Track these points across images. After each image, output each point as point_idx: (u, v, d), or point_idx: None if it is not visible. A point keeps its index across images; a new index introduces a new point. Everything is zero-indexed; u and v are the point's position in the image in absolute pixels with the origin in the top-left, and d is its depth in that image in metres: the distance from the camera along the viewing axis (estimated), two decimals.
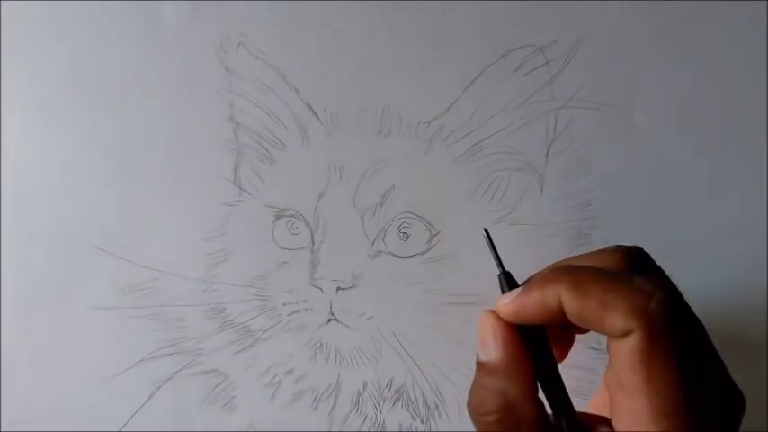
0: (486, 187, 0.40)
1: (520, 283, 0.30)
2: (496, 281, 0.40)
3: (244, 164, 0.41)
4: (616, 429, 0.27)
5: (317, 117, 0.41)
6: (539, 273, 0.30)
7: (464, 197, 0.40)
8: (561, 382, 0.29)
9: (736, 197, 0.40)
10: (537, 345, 0.29)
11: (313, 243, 0.41)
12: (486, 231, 0.33)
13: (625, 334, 0.25)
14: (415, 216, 0.41)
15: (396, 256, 0.41)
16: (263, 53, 0.40)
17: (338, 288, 0.41)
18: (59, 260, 0.42)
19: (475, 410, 0.29)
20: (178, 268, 0.42)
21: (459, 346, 0.40)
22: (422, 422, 0.41)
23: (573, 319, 0.27)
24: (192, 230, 0.42)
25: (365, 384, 0.42)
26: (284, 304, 0.42)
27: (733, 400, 0.29)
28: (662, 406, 0.25)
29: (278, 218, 0.41)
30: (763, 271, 0.40)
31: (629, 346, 0.25)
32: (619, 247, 0.29)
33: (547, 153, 0.40)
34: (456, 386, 0.41)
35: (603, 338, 0.40)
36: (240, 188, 0.41)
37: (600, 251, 0.29)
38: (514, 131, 0.40)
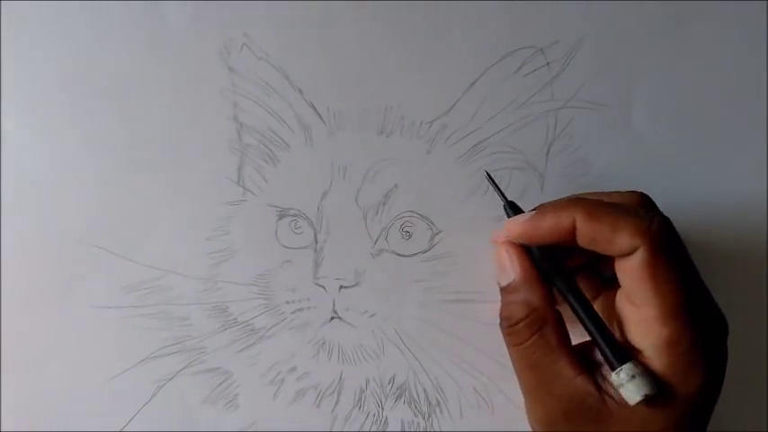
0: (487, 186, 0.40)
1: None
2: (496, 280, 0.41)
3: (247, 164, 0.42)
4: (630, 342, 0.32)
5: (321, 117, 0.41)
6: (549, 202, 0.35)
7: (465, 196, 0.41)
8: (574, 279, 0.34)
9: (735, 197, 0.41)
10: (552, 259, 0.34)
11: (316, 242, 0.41)
12: (486, 172, 0.37)
13: (632, 251, 0.30)
14: (417, 215, 0.41)
15: (398, 255, 0.41)
16: (266, 54, 0.41)
17: (341, 286, 0.41)
18: (62, 260, 0.42)
19: (507, 325, 0.34)
20: (181, 267, 0.42)
21: (461, 343, 0.41)
22: (424, 419, 0.42)
23: (584, 240, 0.32)
24: (196, 229, 0.42)
25: (367, 382, 0.42)
26: (287, 303, 0.42)
27: (719, 321, 0.33)
28: (669, 311, 0.30)
29: (281, 217, 0.42)
30: (763, 271, 0.41)
31: (636, 262, 0.30)
32: (629, 191, 0.34)
33: (547, 152, 0.41)
34: (458, 383, 0.41)
35: None
36: (244, 188, 0.42)
37: (611, 192, 0.34)
38: (515, 131, 0.40)
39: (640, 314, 0.31)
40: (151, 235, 0.42)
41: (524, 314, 0.34)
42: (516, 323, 0.34)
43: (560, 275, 0.34)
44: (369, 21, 0.41)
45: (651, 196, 0.40)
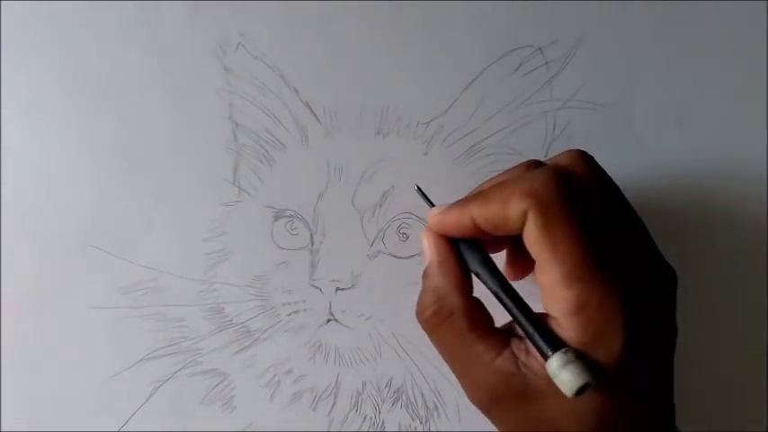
0: None
1: None
2: None
3: (243, 164, 0.41)
4: (545, 311, 0.29)
5: (317, 117, 0.41)
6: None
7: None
8: (495, 267, 0.32)
9: (735, 198, 0.40)
10: (471, 249, 0.32)
11: (312, 243, 0.41)
12: (417, 186, 0.36)
13: (524, 219, 0.28)
14: (414, 216, 0.41)
15: (395, 257, 0.41)
16: (262, 53, 0.40)
17: (337, 288, 0.41)
18: (58, 260, 0.42)
19: (418, 312, 0.33)
20: (177, 268, 0.42)
21: None
22: (421, 423, 0.41)
23: (486, 228, 0.30)
24: (192, 230, 0.42)
25: (364, 385, 0.42)
26: (283, 304, 0.42)
27: (662, 274, 0.30)
28: (571, 271, 0.28)
29: (277, 218, 0.41)
30: (763, 271, 0.40)
31: (530, 228, 0.28)
32: (530, 161, 0.33)
33: (546, 153, 0.40)
34: (455, 387, 0.40)
35: None
36: (239, 188, 0.41)
37: (515, 169, 0.33)
38: (514, 132, 0.40)
39: (546, 280, 0.29)
40: (147, 235, 0.42)
41: (431, 301, 0.32)
42: (424, 310, 0.32)
43: (480, 264, 0.32)
44: (365, 20, 0.41)
45: (651, 199, 0.39)
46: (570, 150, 0.32)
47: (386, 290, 0.41)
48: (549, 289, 0.29)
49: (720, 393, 0.41)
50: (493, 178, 0.34)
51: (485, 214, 0.30)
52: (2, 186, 0.42)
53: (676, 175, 0.40)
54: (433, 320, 0.32)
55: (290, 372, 0.42)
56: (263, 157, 0.41)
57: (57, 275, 0.42)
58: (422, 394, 0.41)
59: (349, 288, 0.41)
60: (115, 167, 0.42)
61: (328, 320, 0.41)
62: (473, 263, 0.32)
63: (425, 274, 0.33)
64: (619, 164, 0.40)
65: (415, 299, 0.40)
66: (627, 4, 0.40)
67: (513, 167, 0.33)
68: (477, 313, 0.32)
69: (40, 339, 0.43)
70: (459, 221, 0.31)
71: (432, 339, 0.33)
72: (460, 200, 0.32)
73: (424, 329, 0.33)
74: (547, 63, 0.40)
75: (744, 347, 0.41)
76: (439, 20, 0.40)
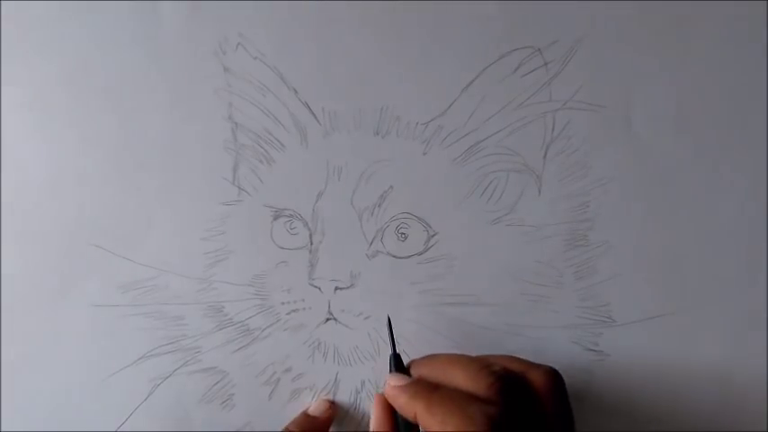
0: (483, 188, 0.40)
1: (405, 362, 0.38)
2: (493, 282, 0.41)
3: (243, 164, 0.41)
4: None
5: (316, 117, 0.41)
6: (421, 364, 0.38)
7: (462, 198, 0.40)
8: None
9: (735, 198, 0.40)
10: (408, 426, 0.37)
11: (311, 243, 0.41)
12: (388, 318, 0.39)
13: None
14: (412, 216, 0.41)
15: (394, 257, 0.41)
16: (261, 53, 0.40)
17: (336, 288, 0.41)
18: (59, 258, 0.42)
19: None
20: (177, 267, 0.42)
21: (457, 346, 0.40)
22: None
23: (423, 428, 0.34)
24: (191, 229, 0.42)
25: (363, 383, 0.42)
26: (282, 303, 0.42)
27: None
28: None
29: (276, 218, 0.41)
30: (762, 271, 0.40)
31: None
32: (496, 372, 0.34)
33: (545, 154, 0.40)
34: None
35: (600, 339, 0.41)
36: (239, 188, 0.41)
37: (484, 368, 0.34)
38: (512, 132, 0.40)
39: None
40: (147, 234, 0.42)
41: None
42: None
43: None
44: (365, 20, 0.40)
45: (650, 200, 0.39)
46: (544, 371, 0.35)
47: (385, 289, 0.41)
48: None
49: (720, 393, 0.41)
50: (447, 361, 0.36)
51: (424, 422, 0.34)
52: (2, 185, 0.42)
53: (675, 176, 0.40)
54: None
55: (289, 370, 0.42)
56: (262, 156, 0.41)
57: (57, 273, 0.43)
58: None
59: (348, 287, 0.41)
60: (115, 167, 0.42)
61: (327, 319, 0.41)
62: None
63: None
64: (617, 164, 0.40)
65: (414, 299, 0.41)
66: (626, 4, 0.39)
67: (468, 369, 0.35)
68: None
69: (40, 337, 0.43)
70: (402, 408, 0.36)
71: None
72: (412, 386, 0.36)
73: None
74: (546, 64, 0.39)
75: (744, 347, 0.41)
76: (438, 20, 0.40)
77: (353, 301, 0.41)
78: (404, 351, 0.41)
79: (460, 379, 0.35)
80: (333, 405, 0.43)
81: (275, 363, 0.42)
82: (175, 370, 0.43)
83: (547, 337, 0.41)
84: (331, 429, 0.42)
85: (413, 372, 0.38)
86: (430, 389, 0.35)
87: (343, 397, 0.42)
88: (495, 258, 0.40)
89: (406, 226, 0.41)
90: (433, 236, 0.41)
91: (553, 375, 0.35)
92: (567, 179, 0.40)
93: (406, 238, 0.41)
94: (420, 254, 0.41)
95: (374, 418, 0.38)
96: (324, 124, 0.41)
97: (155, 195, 0.42)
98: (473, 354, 0.37)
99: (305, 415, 0.42)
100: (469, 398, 0.34)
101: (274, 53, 0.40)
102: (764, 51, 0.39)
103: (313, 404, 0.42)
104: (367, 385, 0.42)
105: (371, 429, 0.38)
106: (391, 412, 0.38)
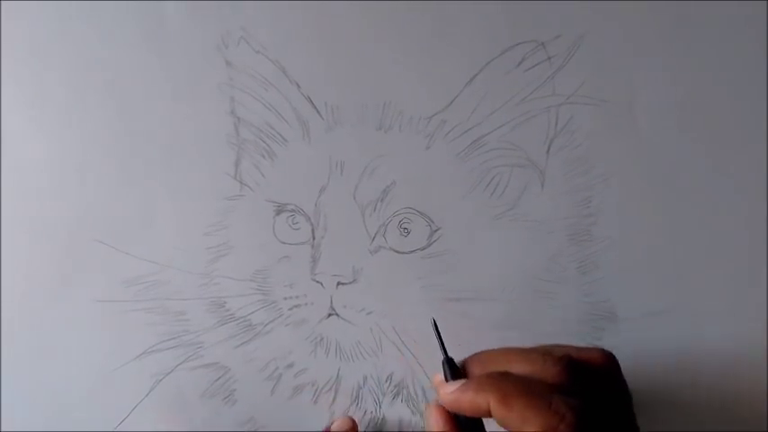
0: (486, 183, 0.40)
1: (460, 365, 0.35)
2: (496, 278, 0.41)
3: (245, 158, 0.41)
4: None
5: (318, 112, 0.41)
6: (477, 361, 0.35)
7: (465, 193, 0.40)
8: None
9: (737, 193, 0.40)
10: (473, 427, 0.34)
11: (314, 238, 0.41)
12: (433, 320, 0.36)
13: None
14: (415, 212, 0.41)
15: (396, 252, 0.41)
16: (264, 47, 0.40)
17: (339, 283, 0.41)
18: (61, 254, 0.42)
19: None
20: (179, 262, 0.42)
21: (460, 341, 0.40)
22: (422, 417, 0.41)
23: (498, 422, 0.31)
24: (193, 224, 0.42)
25: (365, 379, 0.42)
26: (285, 299, 0.42)
27: None
28: None
29: (279, 212, 0.41)
30: (764, 267, 0.40)
31: None
32: (562, 359, 0.32)
33: (548, 149, 0.40)
34: None
35: (603, 335, 0.40)
36: (241, 183, 0.41)
37: (545, 355, 0.33)
38: (516, 127, 0.40)
39: None
40: (150, 230, 0.42)
41: None
42: None
43: None
44: (367, 14, 0.40)
45: (653, 195, 0.39)
46: (600, 352, 0.34)
47: (387, 285, 0.41)
48: None
49: (721, 389, 0.41)
50: (503, 353, 0.34)
51: (502, 415, 0.30)
52: (4, 182, 0.42)
53: (678, 171, 0.40)
54: None
55: (291, 366, 0.42)
56: (264, 151, 0.41)
57: (60, 269, 0.42)
58: (422, 389, 0.41)
59: (350, 283, 0.41)
60: (118, 162, 0.42)
61: (329, 315, 0.41)
62: None
63: None
64: (620, 159, 0.40)
65: (417, 294, 0.41)
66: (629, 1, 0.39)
67: (529, 356, 0.33)
68: None
69: (43, 332, 0.43)
70: (473, 404, 0.32)
71: None
72: (473, 382, 0.32)
73: None
74: (549, 58, 0.39)
75: (744, 347, 0.41)
76: (441, 15, 0.40)
77: (356, 297, 0.41)
78: (406, 346, 0.41)
79: (524, 369, 0.32)
80: (355, 424, 0.42)
81: (277, 358, 0.42)
82: (177, 365, 0.43)
83: (550, 332, 0.41)
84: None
85: (469, 370, 0.35)
86: (499, 377, 0.32)
87: (345, 392, 0.42)
88: (498, 253, 0.40)
89: (408, 221, 0.41)
90: (435, 231, 0.41)
91: (612, 356, 0.34)
92: (570, 174, 0.40)
93: (408, 233, 0.41)
94: (423, 249, 0.41)
95: (431, 427, 0.34)
96: (326, 119, 0.41)
97: (157, 191, 0.42)
98: (476, 350, 0.36)
99: None
100: (546, 386, 0.31)
101: (277, 47, 0.40)
102: (765, 48, 0.39)
103: (336, 421, 0.42)
104: (369, 381, 0.42)
105: None
106: (453, 423, 0.34)
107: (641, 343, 0.41)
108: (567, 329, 0.41)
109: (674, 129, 0.40)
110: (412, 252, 0.41)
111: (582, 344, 0.40)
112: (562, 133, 0.40)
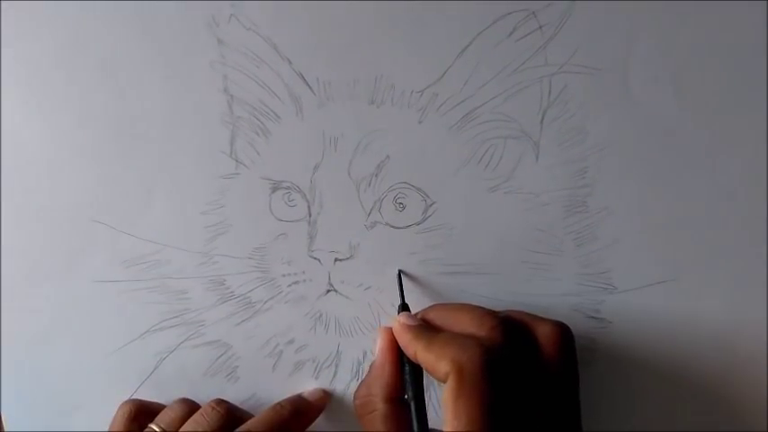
0: (480, 156, 0.40)
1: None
2: (492, 251, 0.41)
3: (240, 136, 0.41)
4: None
5: (310, 87, 0.40)
6: (432, 311, 0.38)
7: (459, 166, 0.40)
8: (421, 382, 0.37)
9: (735, 161, 0.39)
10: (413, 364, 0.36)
11: (310, 215, 0.41)
12: (399, 271, 0.41)
13: (446, 379, 0.32)
14: (410, 186, 0.40)
15: (392, 227, 0.41)
16: (255, 24, 0.40)
17: (336, 259, 0.41)
18: (61, 235, 0.43)
19: (354, 396, 0.39)
20: (178, 241, 0.42)
21: None
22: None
23: (422, 366, 0.35)
24: (191, 203, 0.42)
25: (365, 354, 0.42)
26: (283, 276, 0.42)
27: None
28: None
29: (274, 190, 0.41)
30: (763, 236, 0.39)
31: (446, 387, 0.32)
32: (501, 320, 0.35)
33: (542, 120, 0.39)
34: None
35: (601, 307, 0.40)
36: (237, 161, 0.41)
37: (488, 315, 0.35)
38: (508, 98, 0.39)
39: None
40: (148, 209, 0.42)
41: (362, 394, 0.38)
42: (355, 398, 0.39)
43: (410, 374, 0.37)
44: None
45: (649, 164, 0.39)
46: (552, 324, 0.36)
47: (384, 260, 0.41)
48: None
49: (722, 359, 0.40)
50: (456, 308, 0.37)
51: (422, 358, 0.34)
52: (3, 163, 0.43)
53: (674, 140, 0.39)
54: (359, 410, 0.38)
55: (291, 342, 0.43)
56: (258, 129, 0.41)
57: (60, 250, 0.43)
58: None
59: (347, 259, 0.41)
60: (114, 142, 0.42)
61: (328, 291, 0.42)
62: (407, 372, 0.37)
63: (371, 366, 0.39)
64: (615, 128, 0.39)
65: (414, 269, 0.41)
66: None
67: (474, 313, 0.36)
68: (395, 418, 0.36)
69: (44, 314, 0.44)
70: (405, 346, 0.36)
71: (358, 420, 0.38)
72: (417, 328, 0.36)
73: (354, 410, 0.39)
74: (541, 27, 0.38)
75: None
76: None
77: (353, 273, 0.41)
78: None
79: (466, 323, 0.35)
80: (327, 394, 0.43)
81: (278, 335, 0.43)
82: (180, 344, 0.43)
83: (548, 305, 0.40)
84: (333, 400, 0.43)
85: (422, 316, 0.38)
86: (433, 331, 0.36)
87: (346, 368, 0.43)
88: (493, 226, 0.40)
89: (403, 196, 0.40)
90: (430, 205, 0.40)
91: (561, 329, 0.35)
92: (565, 145, 0.39)
93: (404, 207, 0.41)
94: (418, 224, 0.41)
95: (379, 348, 0.38)
96: (318, 94, 0.40)
97: (154, 170, 0.42)
98: None
99: (299, 396, 0.42)
100: (469, 335, 0.34)
101: (267, 24, 0.40)
102: (765, 14, 0.38)
103: (309, 389, 0.43)
104: (369, 356, 0.42)
105: (374, 357, 0.39)
106: (396, 346, 0.38)
107: (641, 313, 0.40)
108: (566, 302, 0.41)
109: (669, 96, 0.39)
110: (408, 227, 0.41)
111: (579, 317, 0.41)
112: (556, 103, 0.39)
